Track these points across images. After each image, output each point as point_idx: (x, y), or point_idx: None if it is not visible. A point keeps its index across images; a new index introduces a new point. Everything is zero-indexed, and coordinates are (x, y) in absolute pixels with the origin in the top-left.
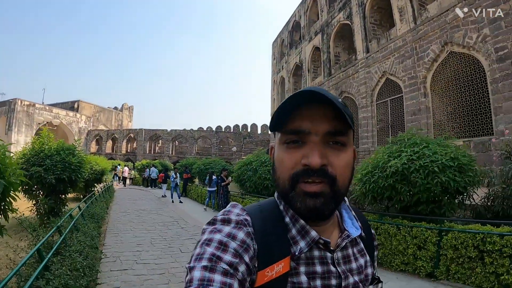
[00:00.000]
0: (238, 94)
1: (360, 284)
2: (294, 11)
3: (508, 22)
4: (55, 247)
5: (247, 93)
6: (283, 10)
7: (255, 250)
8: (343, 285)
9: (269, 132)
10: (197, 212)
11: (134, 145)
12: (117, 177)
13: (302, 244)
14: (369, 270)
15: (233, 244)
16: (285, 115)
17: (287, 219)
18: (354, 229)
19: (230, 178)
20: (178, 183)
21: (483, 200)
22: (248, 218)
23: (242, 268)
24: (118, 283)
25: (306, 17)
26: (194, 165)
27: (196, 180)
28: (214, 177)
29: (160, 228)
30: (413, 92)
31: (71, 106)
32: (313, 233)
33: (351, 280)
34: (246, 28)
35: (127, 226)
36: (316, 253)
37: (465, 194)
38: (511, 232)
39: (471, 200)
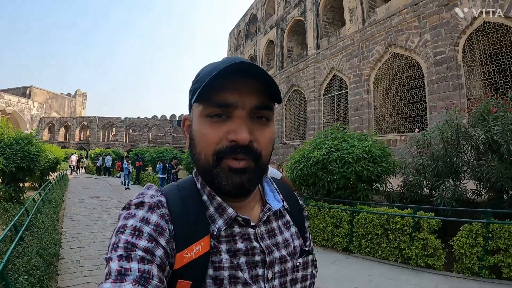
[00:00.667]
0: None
1: (288, 257)
2: (252, 4)
3: (447, 29)
4: (26, 223)
5: None
6: (243, 1)
7: (171, 232)
8: (267, 260)
9: (189, 102)
10: None
11: (88, 133)
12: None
13: (219, 222)
14: (297, 242)
15: (147, 229)
16: (212, 87)
17: (205, 197)
18: (275, 202)
19: (179, 166)
20: (131, 171)
21: (399, 187)
22: (163, 199)
23: (159, 252)
24: (78, 257)
25: (263, 11)
26: (147, 154)
27: (150, 168)
28: (168, 165)
29: (114, 213)
30: (357, 89)
31: (23, 92)
32: (230, 211)
33: (276, 254)
34: (207, 16)
35: (83, 212)
36: (237, 229)
37: (378, 182)
38: (411, 213)
39: (386, 187)
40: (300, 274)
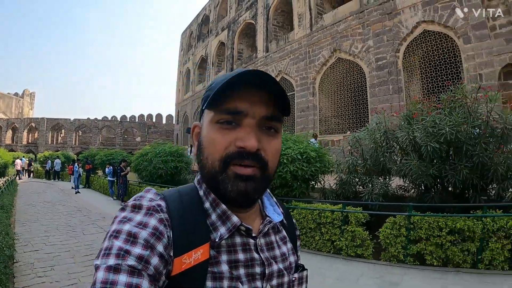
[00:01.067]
0: (146, 84)
1: (285, 271)
2: (205, 5)
3: (389, 36)
4: None
5: (156, 83)
6: (197, 1)
7: (170, 238)
8: (267, 272)
9: (201, 109)
10: (100, 202)
11: (36, 135)
12: (25, 171)
13: (222, 230)
14: (292, 258)
15: (143, 234)
16: (224, 95)
17: (207, 205)
18: (276, 215)
19: (128, 168)
20: (81, 174)
21: (335, 185)
22: (162, 203)
23: (154, 260)
24: (32, 260)
25: (216, 12)
26: (97, 157)
27: (100, 172)
28: (117, 167)
29: (65, 216)
30: (303, 91)
31: None
32: (235, 219)
33: (275, 267)
34: (158, 17)
35: (33, 217)
36: (238, 240)
37: (313, 181)
38: (340, 208)
39: (323, 185)
40: None
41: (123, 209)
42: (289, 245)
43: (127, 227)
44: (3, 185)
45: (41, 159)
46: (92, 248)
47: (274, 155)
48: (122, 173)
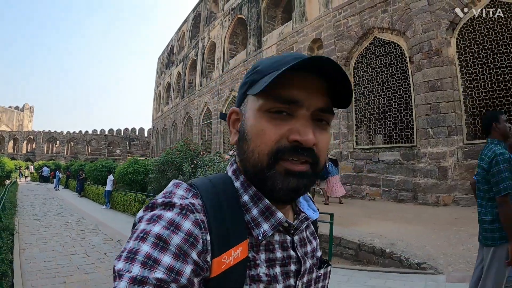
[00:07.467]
0: (135, 99)
1: (314, 268)
2: (172, 36)
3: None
4: (6, 194)
5: (144, 98)
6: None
7: (206, 242)
8: (302, 270)
9: (241, 93)
10: (68, 195)
11: (34, 145)
12: (21, 175)
13: (265, 226)
14: (319, 253)
15: (175, 239)
16: (277, 81)
17: (246, 198)
18: (311, 212)
19: (84, 174)
20: (60, 177)
21: None
22: (196, 201)
23: (187, 269)
24: (22, 209)
25: (178, 45)
26: (72, 166)
27: None
28: (78, 174)
29: (44, 200)
30: (215, 120)
31: None
32: (280, 215)
33: (308, 264)
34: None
35: (26, 199)
36: (276, 237)
37: None
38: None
39: None
40: (320, 285)
41: (151, 208)
42: (317, 240)
43: (156, 228)
44: (12, 182)
45: (36, 167)
46: (48, 206)
47: (324, 150)
48: (80, 177)
